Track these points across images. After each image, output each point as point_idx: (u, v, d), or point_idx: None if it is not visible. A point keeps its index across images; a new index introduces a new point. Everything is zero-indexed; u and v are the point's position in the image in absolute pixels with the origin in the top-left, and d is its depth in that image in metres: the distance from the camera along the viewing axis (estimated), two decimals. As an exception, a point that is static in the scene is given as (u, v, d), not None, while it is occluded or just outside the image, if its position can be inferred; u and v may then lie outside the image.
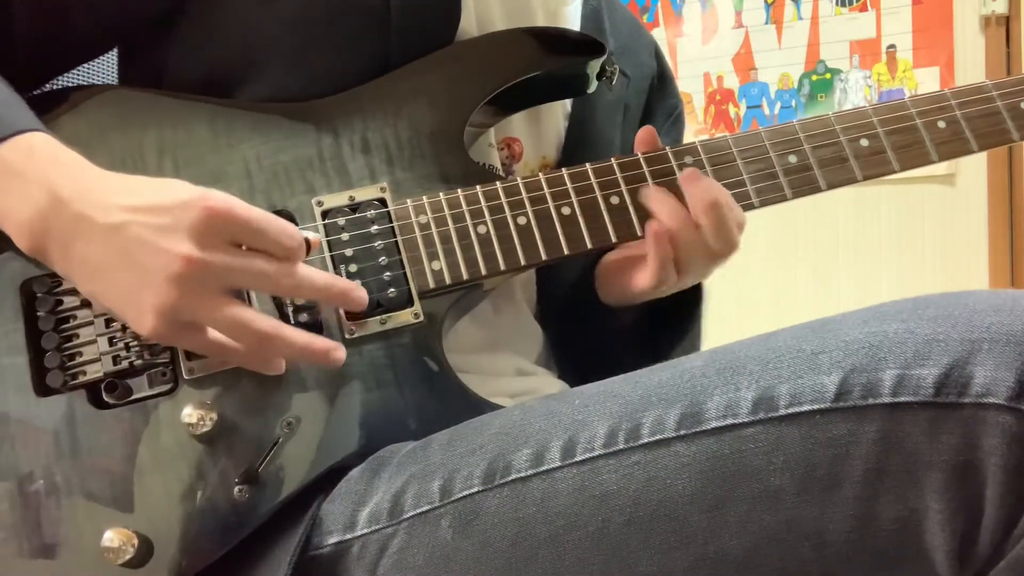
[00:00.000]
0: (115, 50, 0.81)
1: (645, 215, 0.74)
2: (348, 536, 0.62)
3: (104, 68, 0.86)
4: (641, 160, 0.75)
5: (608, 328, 0.84)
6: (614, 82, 0.82)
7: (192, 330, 0.61)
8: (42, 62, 0.77)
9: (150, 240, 0.59)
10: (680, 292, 0.80)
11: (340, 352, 0.64)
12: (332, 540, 0.62)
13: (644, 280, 0.75)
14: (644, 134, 0.78)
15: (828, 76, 2.30)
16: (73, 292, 0.67)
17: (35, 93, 0.75)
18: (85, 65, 0.82)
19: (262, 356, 0.64)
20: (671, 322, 0.86)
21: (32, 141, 0.63)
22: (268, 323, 0.61)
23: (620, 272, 0.79)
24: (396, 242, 0.71)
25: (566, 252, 0.73)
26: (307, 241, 0.63)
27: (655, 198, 0.74)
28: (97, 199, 0.61)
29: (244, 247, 0.61)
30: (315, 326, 0.68)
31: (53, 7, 0.73)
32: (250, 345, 0.62)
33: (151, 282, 0.59)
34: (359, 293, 0.66)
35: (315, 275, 0.63)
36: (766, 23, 2.35)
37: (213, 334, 0.62)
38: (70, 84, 0.81)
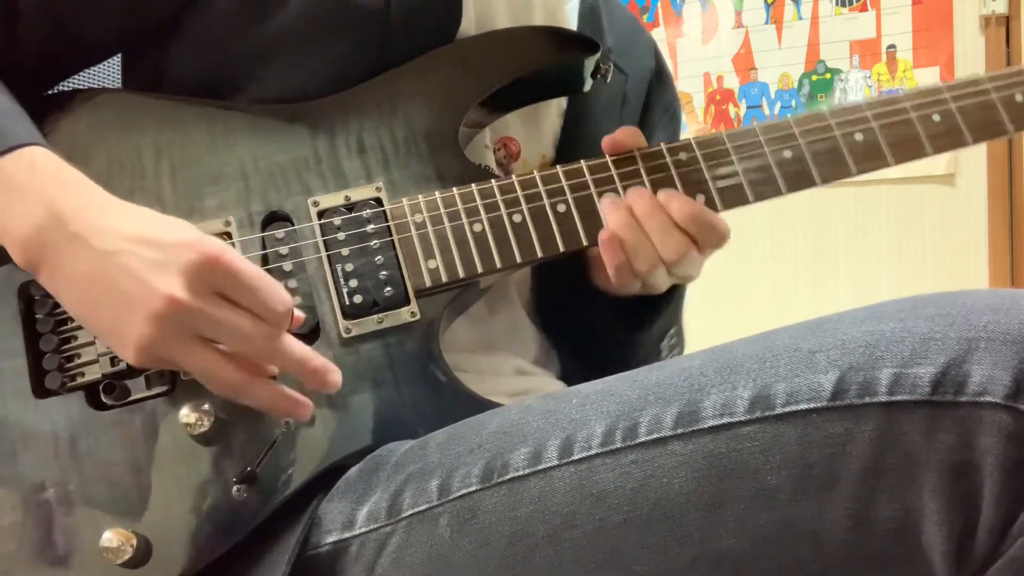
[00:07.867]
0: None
1: None
2: (346, 535, 0.62)
3: (107, 71, 0.86)
4: (636, 156, 0.75)
5: (599, 305, 0.83)
6: (608, 79, 0.82)
7: (172, 362, 0.60)
8: (47, 68, 0.77)
9: (139, 273, 0.58)
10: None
11: (306, 409, 0.63)
12: (330, 539, 0.62)
13: (608, 282, 0.76)
14: (613, 138, 0.76)
15: (828, 76, 2.30)
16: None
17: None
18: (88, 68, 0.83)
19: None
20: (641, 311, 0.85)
21: (34, 156, 0.63)
22: (236, 378, 0.60)
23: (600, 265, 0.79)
24: (392, 241, 0.71)
25: (561, 249, 0.73)
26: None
27: (607, 206, 0.73)
28: (97, 222, 0.60)
29: (232, 302, 0.59)
30: (312, 325, 0.68)
31: (59, 15, 0.73)
32: (218, 392, 0.61)
33: (132, 315, 0.58)
34: (334, 376, 0.63)
35: (294, 346, 0.61)
36: (766, 23, 2.35)
37: None
38: (71, 87, 0.81)
